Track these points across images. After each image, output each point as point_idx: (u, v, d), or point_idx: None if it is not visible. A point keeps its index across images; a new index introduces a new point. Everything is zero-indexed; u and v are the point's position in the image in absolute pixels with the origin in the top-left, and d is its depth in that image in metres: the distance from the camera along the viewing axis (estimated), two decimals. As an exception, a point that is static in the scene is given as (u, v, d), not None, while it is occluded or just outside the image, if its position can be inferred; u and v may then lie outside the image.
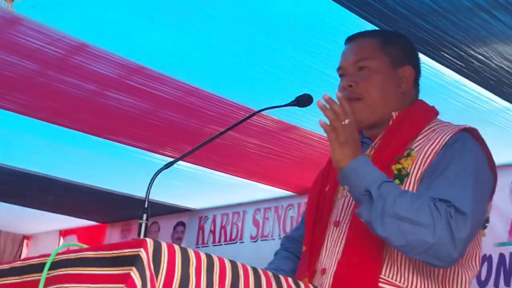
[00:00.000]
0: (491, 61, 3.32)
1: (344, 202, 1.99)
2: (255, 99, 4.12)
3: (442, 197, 1.75)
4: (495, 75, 3.46)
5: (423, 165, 1.87)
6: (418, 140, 1.94)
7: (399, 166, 1.89)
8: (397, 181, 1.86)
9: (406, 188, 1.85)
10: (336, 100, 1.87)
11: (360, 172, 1.79)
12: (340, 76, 2.10)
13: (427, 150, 1.88)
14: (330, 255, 1.93)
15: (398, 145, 1.93)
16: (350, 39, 2.13)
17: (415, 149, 1.91)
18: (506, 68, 3.39)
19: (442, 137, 1.89)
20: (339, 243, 1.92)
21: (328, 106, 1.84)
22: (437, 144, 1.88)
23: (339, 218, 1.97)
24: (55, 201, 7.06)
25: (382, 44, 2.06)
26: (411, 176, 1.87)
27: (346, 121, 1.81)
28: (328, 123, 1.83)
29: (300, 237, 2.18)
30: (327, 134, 1.82)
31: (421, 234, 1.70)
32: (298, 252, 2.16)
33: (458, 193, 1.77)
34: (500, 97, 3.75)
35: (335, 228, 1.97)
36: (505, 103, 3.84)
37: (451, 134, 1.89)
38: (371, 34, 2.17)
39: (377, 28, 3.07)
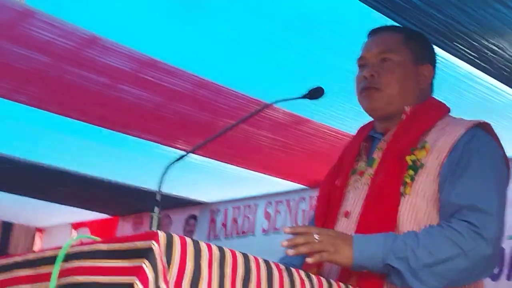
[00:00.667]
0: (505, 52, 3.30)
1: (355, 193, 2.01)
2: (267, 92, 4.11)
3: (467, 201, 1.78)
4: (508, 66, 3.43)
5: (439, 157, 1.88)
6: (431, 134, 1.95)
7: (413, 157, 1.90)
8: (411, 172, 1.87)
9: (420, 179, 1.86)
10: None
11: (367, 255, 1.74)
12: (360, 66, 2.12)
13: (442, 143, 1.89)
14: None
15: (412, 137, 1.94)
16: (374, 32, 2.16)
17: (429, 142, 1.92)
18: (520, 59, 3.38)
19: (456, 131, 1.90)
20: (349, 233, 1.93)
21: (294, 235, 1.76)
22: (452, 138, 1.89)
23: (350, 209, 1.98)
24: (67, 193, 7.09)
25: (406, 40, 2.09)
26: (426, 168, 1.88)
27: (316, 237, 1.74)
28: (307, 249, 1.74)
29: None
30: (318, 259, 1.73)
31: (457, 265, 1.72)
32: None
33: (483, 194, 1.80)
34: (513, 89, 3.74)
35: (345, 219, 1.98)
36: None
37: (465, 129, 1.90)
38: (396, 29, 2.21)
39: (389, 19, 3.06)
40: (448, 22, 3.07)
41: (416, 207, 1.86)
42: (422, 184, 1.87)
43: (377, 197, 1.90)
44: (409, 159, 1.90)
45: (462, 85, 3.70)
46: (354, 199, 1.99)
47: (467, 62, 3.44)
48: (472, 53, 3.34)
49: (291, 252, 1.72)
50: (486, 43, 3.24)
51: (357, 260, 1.74)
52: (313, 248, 1.71)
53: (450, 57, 3.39)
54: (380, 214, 1.87)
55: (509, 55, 3.32)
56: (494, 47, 3.26)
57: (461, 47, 3.28)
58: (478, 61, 3.40)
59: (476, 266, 1.75)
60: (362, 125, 2.25)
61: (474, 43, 3.24)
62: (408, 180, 1.88)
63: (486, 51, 3.29)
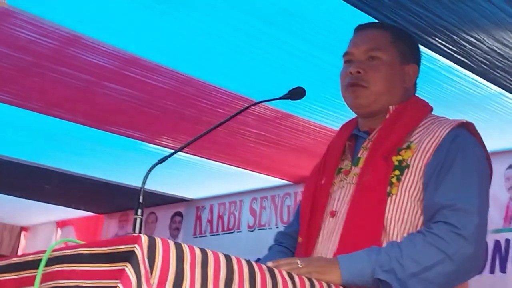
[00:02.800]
0: (484, 44, 3.32)
1: (340, 193, 2.01)
2: (251, 88, 4.12)
3: (447, 201, 1.80)
4: (487, 58, 3.46)
5: (424, 158, 1.90)
6: (416, 133, 1.97)
7: (399, 157, 1.91)
8: (397, 172, 1.89)
9: (406, 180, 1.88)
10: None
11: (355, 272, 1.73)
12: (345, 62, 2.12)
13: (427, 143, 1.91)
14: (326, 245, 1.95)
15: (397, 137, 1.96)
16: (361, 28, 2.16)
17: (414, 142, 1.93)
18: (498, 51, 3.38)
19: (441, 131, 1.92)
20: (335, 233, 1.94)
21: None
22: (436, 138, 1.91)
23: (336, 208, 1.99)
24: (52, 192, 7.07)
25: (394, 39, 2.10)
26: (411, 168, 1.89)
27: (299, 262, 1.72)
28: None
29: (294, 233, 2.20)
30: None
31: (443, 269, 1.74)
32: (292, 247, 2.18)
33: (464, 193, 1.82)
34: (492, 83, 3.76)
35: (331, 218, 1.98)
36: (498, 89, 3.84)
37: (449, 129, 1.92)
38: (384, 27, 2.22)
39: (370, 16, 3.07)
40: (427, 16, 3.08)
41: (403, 207, 1.87)
42: (408, 184, 1.88)
43: (363, 197, 1.91)
44: (395, 159, 1.91)
45: (442, 79, 3.72)
46: (340, 199, 1.99)
47: (446, 56, 3.46)
48: (451, 47, 3.36)
49: None
50: (465, 35, 3.25)
51: (346, 279, 1.73)
52: (300, 272, 1.67)
53: (429, 51, 3.40)
54: (367, 214, 1.88)
55: (487, 47, 3.34)
56: (472, 40, 3.28)
57: (440, 41, 3.30)
58: (457, 54, 3.42)
59: (461, 268, 1.76)
60: (345, 122, 2.25)
61: (453, 36, 3.25)
62: (394, 180, 1.89)
63: (464, 43, 3.31)
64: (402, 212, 1.86)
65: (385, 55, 2.06)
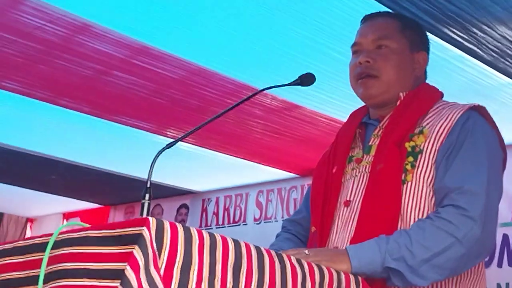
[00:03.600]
0: (495, 31, 3.29)
1: (354, 182, 1.99)
2: (259, 77, 4.09)
3: (455, 184, 1.78)
4: (498, 46, 3.42)
5: (437, 142, 1.88)
6: (428, 118, 1.95)
7: (412, 143, 1.90)
8: (411, 158, 1.87)
9: (420, 165, 1.86)
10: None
11: (365, 262, 1.72)
12: (354, 52, 2.11)
13: (440, 127, 1.89)
14: (342, 234, 1.93)
15: (408, 123, 1.94)
16: (369, 18, 2.14)
17: (427, 127, 1.91)
18: (510, 38, 3.35)
19: (453, 115, 1.90)
20: (350, 222, 1.92)
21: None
22: (449, 122, 1.89)
23: (350, 197, 1.97)
24: (58, 182, 7.06)
25: (403, 27, 2.09)
26: (425, 153, 1.88)
27: (306, 252, 1.73)
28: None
29: (302, 220, 2.18)
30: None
31: (454, 254, 1.73)
32: (300, 234, 2.17)
33: (472, 175, 1.80)
34: (502, 73, 3.73)
35: (345, 208, 1.96)
36: (508, 79, 3.81)
37: (461, 112, 1.90)
38: (391, 16, 2.21)
39: (381, 5, 3.05)
40: (439, 2, 3.05)
41: (419, 194, 1.85)
42: (423, 170, 1.87)
43: (378, 185, 1.89)
44: (408, 145, 1.89)
45: (452, 68, 3.69)
46: (354, 188, 1.97)
47: (457, 45, 3.43)
48: (462, 34, 3.32)
49: None
50: (476, 22, 3.22)
51: (356, 268, 1.72)
52: (308, 260, 1.65)
53: (439, 40, 3.38)
54: (383, 203, 1.86)
55: (499, 34, 3.31)
56: (484, 26, 3.24)
57: (451, 28, 3.27)
58: (467, 43, 3.40)
59: (471, 250, 1.75)
60: (354, 110, 2.23)
61: (465, 23, 3.23)
62: (408, 167, 1.87)
63: (476, 30, 3.28)
64: (418, 199, 1.85)
65: (394, 43, 2.05)
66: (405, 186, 1.86)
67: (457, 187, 1.78)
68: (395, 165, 1.88)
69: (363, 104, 2.17)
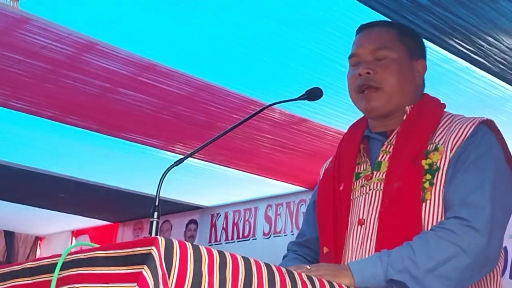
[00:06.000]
0: (501, 43, 3.27)
1: (365, 199, 1.92)
2: (266, 92, 4.09)
3: (458, 197, 1.75)
4: (505, 58, 3.41)
5: (448, 159, 1.84)
6: (439, 134, 1.90)
7: (429, 161, 1.84)
8: (428, 176, 1.82)
9: (438, 183, 1.82)
10: None
11: (368, 276, 1.68)
12: (352, 65, 2.06)
13: (452, 142, 1.85)
14: (359, 254, 1.87)
15: (421, 139, 1.88)
16: (364, 28, 2.09)
17: (440, 143, 1.87)
18: (516, 50, 3.35)
19: (464, 129, 1.85)
20: (368, 242, 1.87)
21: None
22: (460, 136, 1.85)
23: (363, 216, 1.91)
24: (66, 200, 7.07)
25: (400, 35, 2.04)
26: (441, 170, 1.83)
27: (308, 267, 1.69)
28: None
29: (306, 242, 2.14)
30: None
31: (458, 263, 1.68)
32: (308, 255, 2.12)
33: (475, 187, 1.76)
34: (510, 84, 3.71)
35: (359, 227, 1.90)
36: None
37: (473, 127, 1.86)
38: (387, 24, 2.15)
39: (385, 16, 3.04)
40: (446, 16, 3.05)
41: (438, 212, 1.80)
42: (440, 187, 1.81)
43: (396, 204, 1.83)
44: (424, 163, 1.84)
45: (459, 80, 3.67)
46: (367, 206, 1.91)
47: (464, 57, 3.42)
48: (469, 47, 3.31)
49: None
50: (483, 34, 3.21)
51: (359, 283, 1.68)
52: (310, 274, 1.61)
53: (446, 53, 3.37)
54: (402, 222, 1.81)
55: (505, 46, 3.29)
56: (490, 39, 3.23)
57: (458, 40, 3.26)
58: (474, 55, 3.38)
59: (476, 262, 1.70)
60: (353, 122, 2.18)
61: (471, 35, 3.22)
62: (427, 185, 1.82)
63: (482, 43, 3.27)
64: (438, 217, 1.80)
65: (394, 52, 2.00)
66: (424, 204, 1.82)
67: (461, 200, 1.75)
68: (414, 183, 1.83)
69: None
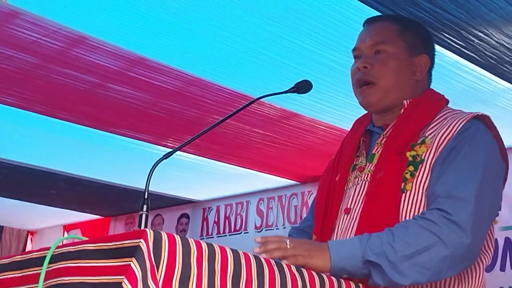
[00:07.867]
0: (492, 38, 3.28)
1: (355, 190, 1.98)
2: (256, 87, 4.09)
3: (444, 190, 1.76)
4: (495, 53, 3.42)
5: (437, 152, 1.86)
6: (431, 128, 1.92)
7: (413, 153, 1.88)
8: (411, 168, 1.85)
9: (420, 175, 1.84)
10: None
11: (345, 256, 1.71)
12: (354, 57, 2.10)
13: (441, 137, 1.87)
14: None
15: (411, 132, 1.92)
16: (369, 22, 2.13)
17: (429, 137, 1.89)
18: (506, 45, 3.34)
19: (455, 124, 1.88)
20: (350, 230, 1.92)
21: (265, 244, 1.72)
22: (450, 131, 1.87)
23: (350, 205, 1.96)
24: (58, 195, 7.05)
25: (401, 31, 2.06)
26: (426, 163, 1.86)
27: (288, 242, 1.70)
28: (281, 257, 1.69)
29: (308, 228, 2.18)
30: (293, 262, 1.66)
31: (436, 253, 1.69)
32: None
33: (462, 182, 1.77)
34: (501, 78, 3.71)
35: (346, 215, 1.96)
36: (507, 84, 3.80)
37: (464, 122, 1.88)
38: (391, 19, 2.19)
39: (376, 11, 3.04)
40: (436, 11, 3.05)
41: (417, 203, 1.83)
42: (422, 179, 1.85)
43: (377, 194, 1.88)
44: (409, 155, 1.88)
45: (450, 74, 3.68)
46: (355, 196, 1.96)
47: (454, 51, 3.42)
48: (459, 42, 3.32)
49: (260, 253, 1.66)
50: (473, 30, 3.22)
51: (336, 262, 1.70)
52: (286, 253, 1.66)
53: (436, 46, 3.36)
54: (382, 212, 1.84)
55: (496, 41, 3.30)
56: (481, 34, 3.24)
57: (448, 36, 3.27)
58: (465, 50, 3.39)
59: (455, 255, 1.71)
60: (359, 117, 2.22)
61: (461, 31, 3.22)
62: (408, 176, 1.86)
63: (472, 38, 3.27)
64: (417, 208, 1.83)
65: (392, 47, 2.03)
66: (404, 195, 1.84)
67: (446, 193, 1.76)
68: (395, 173, 1.86)
69: (361, 112, 2.17)
